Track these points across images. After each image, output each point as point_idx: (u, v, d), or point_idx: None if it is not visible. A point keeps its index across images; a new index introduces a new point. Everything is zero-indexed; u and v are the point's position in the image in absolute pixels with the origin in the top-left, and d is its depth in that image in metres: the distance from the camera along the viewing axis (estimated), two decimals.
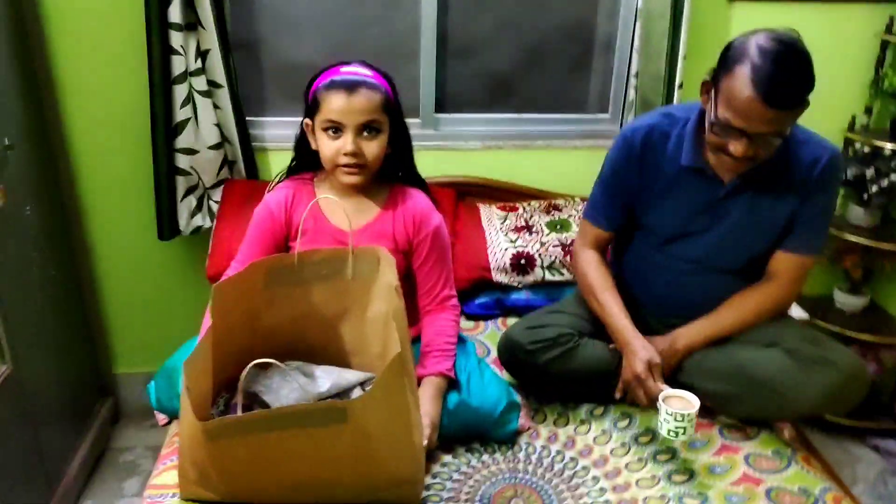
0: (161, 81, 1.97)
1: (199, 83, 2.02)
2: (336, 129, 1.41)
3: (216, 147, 2.10)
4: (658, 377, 1.52)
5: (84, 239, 2.23)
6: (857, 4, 2.25)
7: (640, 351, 1.55)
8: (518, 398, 1.58)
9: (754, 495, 1.40)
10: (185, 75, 1.99)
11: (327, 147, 1.43)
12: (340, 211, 1.44)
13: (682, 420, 1.42)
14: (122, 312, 2.37)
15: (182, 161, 2.08)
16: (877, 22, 2.25)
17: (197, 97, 2.03)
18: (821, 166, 1.55)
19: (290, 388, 1.28)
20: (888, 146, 2.21)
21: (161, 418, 1.62)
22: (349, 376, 1.34)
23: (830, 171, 1.57)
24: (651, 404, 1.50)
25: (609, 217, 1.72)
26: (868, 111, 2.34)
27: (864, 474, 2.26)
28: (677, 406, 1.43)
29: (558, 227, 2.10)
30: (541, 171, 2.34)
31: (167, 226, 2.14)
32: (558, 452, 1.53)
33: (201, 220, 2.19)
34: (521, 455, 1.51)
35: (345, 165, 1.43)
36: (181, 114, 2.02)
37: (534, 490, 1.42)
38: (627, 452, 1.53)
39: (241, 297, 1.30)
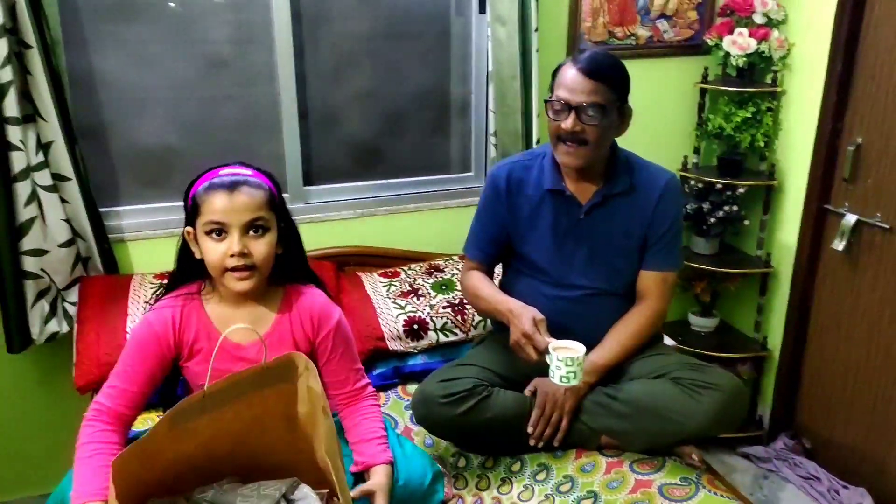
0: (0, 180, 1.79)
1: (43, 178, 1.86)
2: (220, 230, 1.31)
3: (67, 244, 1.93)
4: (544, 331, 1.58)
5: None
6: (675, 58, 2.53)
7: (523, 311, 1.61)
8: (438, 467, 1.56)
9: None
10: (27, 171, 1.82)
11: (212, 251, 1.32)
12: (235, 325, 1.32)
13: (573, 364, 1.50)
14: None
15: (29, 264, 1.88)
16: (694, 72, 2.53)
17: (42, 193, 1.86)
18: (661, 188, 1.75)
19: None
20: (718, 182, 2.47)
21: None
22: (269, 491, 1.25)
23: (671, 191, 1.76)
24: (540, 358, 1.56)
25: (482, 249, 1.83)
26: (696, 151, 2.62)
27: (742, 481, 2.45)
28: (566, 354, 1.51)
29: (443, 287, 2.13)
30: (416, 233, 2.37)
31: (17, 336, 1.92)
32: None
33: (57, 326, 1.98)
34: None
35: (233, 270, 1.32)
36: (26, 213, 1.84)
37: None
38: (553, 503, 1.55)
39: (147, 456, 1.17)
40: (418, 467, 1.48)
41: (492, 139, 2.35)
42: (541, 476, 1.64)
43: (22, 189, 1.82)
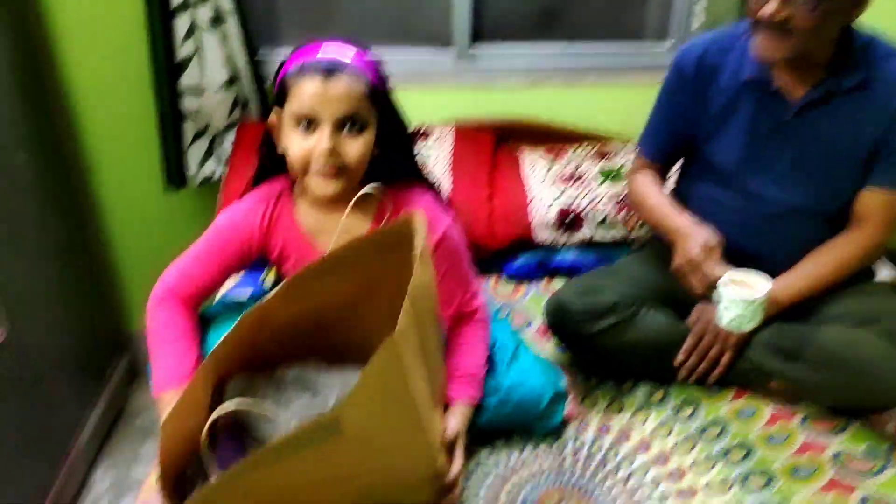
0: (159, 13, 1.73)
1: (203, 13, 1.78)
2: (309, 123, 1.13)
3: (225, 86, 1.87)
4: (717, 260, 1.30)
5: (87, 191, 2.05)
6: None
7: (693, 231, 1.34)
8: (564, 384, 1.37)
9: None
10: (186, 5, 1.75)
11: (297, 147, 1.14)
12: (330, 233, 1.18)
13: (750, 306, 1.20)
14: (134, 267, 2.20)
15: (188, 103, 1.86)
16: None
17: (201, 29, 1.79)
18: None
19: (290, 412, 1.08)
20: None
21: None
22: (354, 378, 1.13)
23: None
24: (708, 292, 1.29)
25: (658, 146, 1.54)
26: None
27: None
28: (742, 292, 1.21)
29: (612, 175, 1.84)
30: (592, 109, 2.05)
31: (175, 176, 1.94)
32: (611, 447, 1.32)
33: (213, 168, 1.98)
34: (568, 451, 1.31)
35: (319, 169, 1.14)
36: (184, 49, 1.79)
37: (583, 494, 1.22)
38: (693, 448, 1.32)
39: (258, 324, 1.08)
40: (536, 386, 1.29)
41: (701, 2, 1.93)
42: (685, 412, 1.39)
43: (181, 24, 1.76)
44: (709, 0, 1.91)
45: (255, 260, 1.28)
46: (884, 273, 1.59)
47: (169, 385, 1.15)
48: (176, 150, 1.91)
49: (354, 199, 1.16)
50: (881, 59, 1.34)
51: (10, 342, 1.61)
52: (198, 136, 1.92)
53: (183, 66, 1.81)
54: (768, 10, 1.24)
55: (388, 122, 1.19)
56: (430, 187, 1.30)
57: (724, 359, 1.39)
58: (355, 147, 1.14)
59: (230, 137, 1.96)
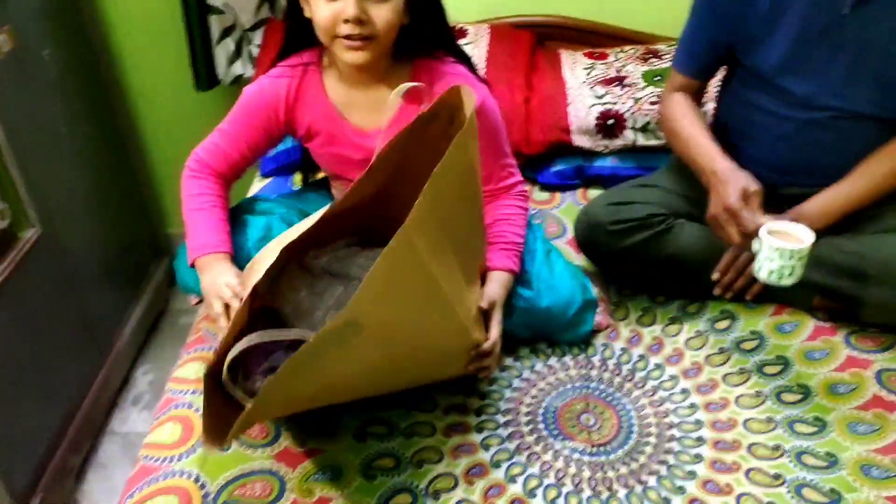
0: None
1: None
2: None
3: None
4: (756, 208, 1.20)
5: (118, 90, 2.02)
6: None
7: (732, 177, 1.22)
8: (595, 292, 1.32)
9: (887, 424, 1.13)
10: None
11: (323, 12, 1.08)
12: (358, 101, 1.16)
13: (792, 258, 1.11)
14: (170, 170, 2.19)
15: None
16: None
17: None
18: None
19: (324, 305, 1.06)
20: None
21: (192, 298, 1.45)
22: None
23: None
24: (745, 242, 1.20)
25: (695, 55, 1.39)
26: None
27: None
28: (784, 243, 1.12)
29: (657, 78, 1.72)
30: (638, 7, 1.91)
31: (204, 75, 1.90)
32: (641, 357, 1.28)
33: (242, 69, 1.92)
34: (596, 359, 1.28)
35: (346, 37, 1.09)
36: None
37: (608, 404, 1.19)
38: (726, 361, 1.27)
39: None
40: (565, 292, 1.25)
41: None
42: (721, 325, 1.34)
43: None
44: None
45: (281, 136, 1.26)
46: None
47: (205, 250, 1.16)
48: (204, 48, 1.86)
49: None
50: None
51: (45, 243, 1.62)
52: (226, 33, 1.86)
53: None
54: None
55: None
56: (464, 59, 1.24)
57: None
58: (383, 12, 1.08)
59: (259, 36, 1.89)
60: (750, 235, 1.18)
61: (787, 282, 1.14)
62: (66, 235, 1.71)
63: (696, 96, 1.45)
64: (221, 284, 1.10)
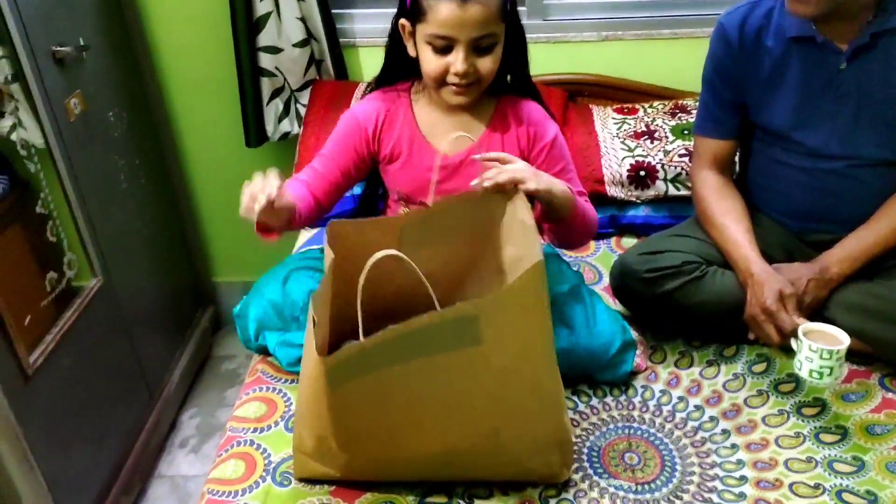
0: None
1: None
2: (444, 44, 1.19)
3: (301, 44, 1.92)
4: (792, 309, 1.28)
5: (172, 146, 2.15)
6: None
7: (768, 280, 1.30)
8: (634, 335, 1.37)
9: None
10: None
11: (432, 63, 1.21)
12: (443, 129, 1.28)
13: (830, 358, 1.18)
14: (217, 222, 2.30)
15: (266, 61, 1.91)
16: None
17: None
18: None
19: None
20: None
21: None
22: None
23: None
24: (784, 343, 1.27)
25: (720, 122, 1.47)
26: None
27: None
28: (820, 342, 1.19)
29: (685, 132, 1.81)
30: (667, 65, 2.01)
31: (254, 132, 2.01)
32: (680, 399, 1.33)
33: (289, 126, 2.04)
34: (637, 400, 1.33)
35: (453, 84, 1.22)
36: (262, 7, 1.84)
37: (651, 444, 1.24)
38: (765, 403, 1.31)
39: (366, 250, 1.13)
40: (605, 333, 1.31)
41: None
42: (758, 368, 1.38)
43: None
44: None
45: (370, 159, 1.36)
46: None
47: None
48: (255, 107, 1.98)
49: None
50: None
51: (104, 291, 1.72)
52: (275, 93, 1.98)
53: (261, 24, 1.86)
54: None
55: (514, 32, 1.26)
56: (538, 98, 1.38)
57: (798, 321, 1.36)
58: (487, 63, 1.22)
59: (306, 96, 2.01)
60: (787, 335, 1.25)
61: (827, 381, 1.21)
62: (121, 284, 1.81)
63: (727, 165, 1.51)
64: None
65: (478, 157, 1.21)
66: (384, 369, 0.97)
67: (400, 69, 1.33)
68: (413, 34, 1.24)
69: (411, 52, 1.26)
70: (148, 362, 1.95)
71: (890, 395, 1.30)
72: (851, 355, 1.35)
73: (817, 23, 1.30)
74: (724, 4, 2.02)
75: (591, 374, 1.33)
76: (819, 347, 1.18)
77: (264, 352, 1.41)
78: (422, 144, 1.32)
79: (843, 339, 1.20)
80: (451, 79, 1.22)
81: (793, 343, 1.25)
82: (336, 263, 1.08)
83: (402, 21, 1.25)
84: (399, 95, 1.35)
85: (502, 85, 1.33)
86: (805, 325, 1.24)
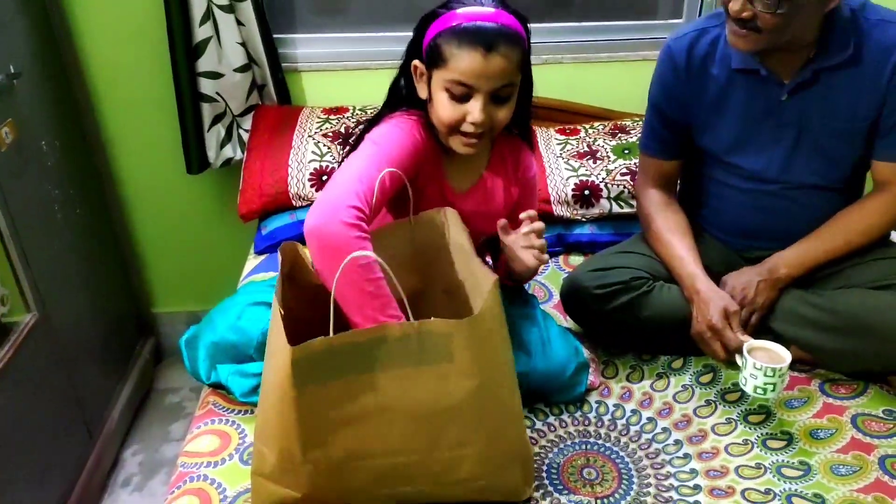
0: None
1: None
2: (465, 92, 1.14)
3: (242, 69, 1.90)
4: (737, 327, 1.33)
5: (110, 175, 2.08)
6: None
7: (714, 298, 1.35)
8: (587, 354, 1.40)
9: (866, 465, 1.21)
10: None
11: (448, 111, 1.16)
12: (453, 164, 1.25)
13: (773, 375, 1.23)
14: (158, 250, 2.24)
15: (206, 86, 1.88)
16: None
17: (217, 12, 1.81)
18: None
19: None
20: None
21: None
22: None
23: None
24: (729, 359, 1.32)
25: (664, 143, 1.52)
26: None
27: None
28: (764, 359, 1.24)
29: (626, 151, 1.86)
30: (605, 87, 2.08)
31: (195, 159, 1.97)
32: (633, 412, 1.35)
33: (232, 152, 2.01)
34: (592, 416, 1.34)
35: (466, 133, 1.17)
36: (201, 32, 1.81)
37: (607, 458, 1.26)
38: (713, 412, 1.35)
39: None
40: (561, 356, 1.33)
41: None
42: (705, 378, 1.42)
43: (197, 5, 1.78)
44: None
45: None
46: None
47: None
48: (196, 133, 1.94)
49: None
50: (871, 29, 1.32)
51: (41, 326, 1.65)
52: (217, 119, 1.95)
53: (200, 49, 1.83)
54: (734, 7, 1.24)
55: (526, 80, 1.23)
56: (531, 141, 1.38)
57: (754, 320, 1.41)
58: (503, 113, 1.18)
59: (248, 121, 1.98)
60: (733, 351, 1.30)
61: (771, 396, 1.26)
62: (58, 318, 1.73)
63: (671, 183, 1.56)
64: None
65: (523, 215, 1.19)
66: (352, 376, 0.96)
67: (401, 104, 1.26)
68: (428, 77, 1.18)
69: (422, 94, 1.21)
70: (87, 397, 1.87)
71: (830, 400, 1.35)
72: (792, 363, 1.42)
73: (760, 56, 1.36)
74: (656, 29, 2.13)
75: (547, 396, 1.34)
76: (763, 366, 1.23)
77: (216, 385, 1.38)
78: (441, 180, 1.27)
79: (785, 357, 1.25)
80: (467, 128, 1.16)
81: (738, 359, 1.30)
82: (286, 279, 1.07)
83: (416, 63, 1.20)
84: (423, 130, 1.23)
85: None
86: (749, 343, 1.29)
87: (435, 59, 1.15)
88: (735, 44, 1.32)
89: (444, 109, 1.16)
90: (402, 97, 1.25)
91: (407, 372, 0.95)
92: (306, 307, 1.13)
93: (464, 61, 1.11)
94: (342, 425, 0.99)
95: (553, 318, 1.44)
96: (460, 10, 1.14)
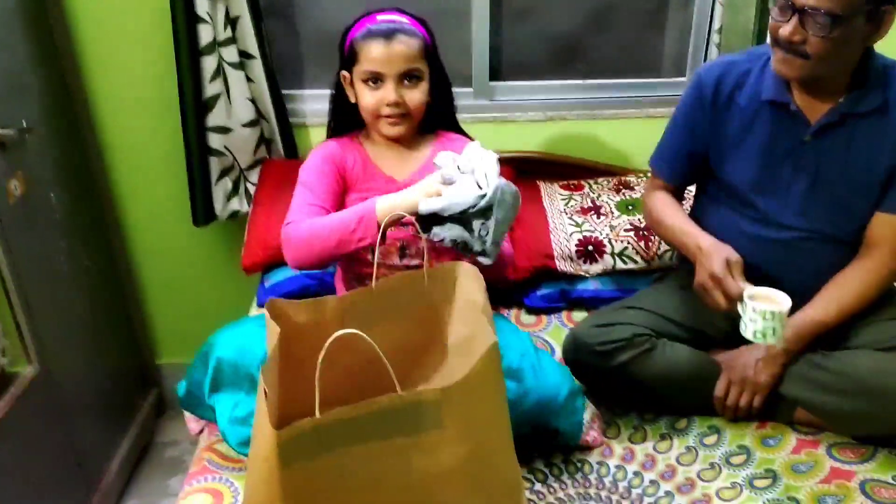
0: (188, 53, 1.80)
1: (230, 54, 1.84)
2: (376, 79, 1.37)
3: (251, 124, 1.93)
4: (738, 275, 1.31)
5: (117, 226, 2.11)
6: None
7: (714, 249, 1.35)
8: (590, 410, 1.38)
9: None
10: (214, 45, 1.81)
11: (368, 98, 1.39)
12: (391, 159, 1.46)
13: (772, 319, 1.23)
14: (162, 302, 2.25)
15: (215, 141, 1.91)
16: None
17: (228, 69, 1.86)
18: None
19: None
20: None
21: (193, 427, 1.47)
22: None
23: None
24: (730, 306, 1.30)
25: (673, 164, 1.55)
26: None
27: None
28: (765, 305, 1.24)
29: (630, 207, 1.86)
30: (609, 143, 2.10)
31: (202, 211, 1.99)
32: (636, 474, 1.32)
33: (238, 205, 2.03)
34: (593, 478, 1.31)
35: (387, 116, 1.39)
36: (211, 88, 1.85)
37: None
38: (718, 476, 1.31)
39: (310, 330, 1.11)
40: (553, 378, 1.33)
41: (714, 37, 1.97)
42: (710, 440, 1.39)
43: (208, 64, 1.82)
44: (724, 37, 1.94)
45: (343, 186, 1.46)
46: None
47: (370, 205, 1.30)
48: (203, 186, 1.96)
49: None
50: None
51: (41, 379, 1.64)
52: (224, 172, 1.98)
53: (210, 104, 1.87)
54: (785, 31, 1.27)
55: (438, 74, 1.43)
56: (467, 136, 1.53)
57: (756, 402, 1.40)
58: (415, 95, 1.39)
59: (255, 174, 2.01)
60: (734, 300, 1.29)
61: (772, 340, 1.25)
62: (60, 370, 1.73)
63: (677, 196, 1.59)
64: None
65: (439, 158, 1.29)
66: (340, 450, 0.93)
67: (345, 120, 1.49)
68: (352, 81, 1.41)
69: (352, 98, 1.43)
70: (86, 451, 1.85)
71: (838, 464, 1.31)
72: (800, 427, 1.39)
73: (795, 91, 1.37)
74: (659, 87, 2.16)
75: (545, 423, 1.31)
76: (762, 309, 1.23)
77: (210, 415, 1.36)
78: (372, 169, 1.46)
79: (783, 302, 1.25)
80: (385, 110, 1.38)
81: (738, 307, 1.28)
82: (281, 341, 1.06)
83: (343, 72, 1.42)
84: (350, 140, 1.49)
85: (435, 124, 1.50)
86: (750, 290, 1.28)
87: (352, 60, 1.39)
88: (780, 70, 1.33)
89: (364, 98, 1.39)
90: (338, 113, 1.49)
91: (396, 443, 0.92)
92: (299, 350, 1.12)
93: (371, 52, 1.35)
94: (331, 500, 0.97)
95: (545, 351, 1.43)
96: (367, 18, 1.40)
